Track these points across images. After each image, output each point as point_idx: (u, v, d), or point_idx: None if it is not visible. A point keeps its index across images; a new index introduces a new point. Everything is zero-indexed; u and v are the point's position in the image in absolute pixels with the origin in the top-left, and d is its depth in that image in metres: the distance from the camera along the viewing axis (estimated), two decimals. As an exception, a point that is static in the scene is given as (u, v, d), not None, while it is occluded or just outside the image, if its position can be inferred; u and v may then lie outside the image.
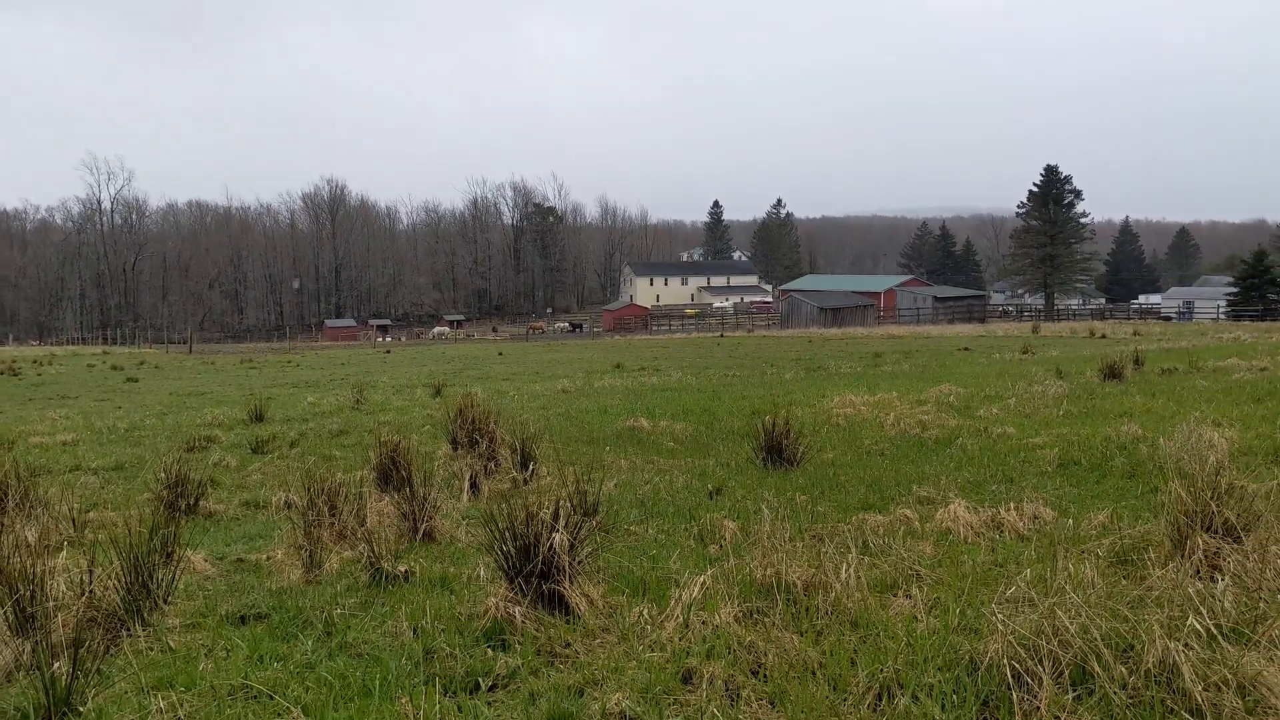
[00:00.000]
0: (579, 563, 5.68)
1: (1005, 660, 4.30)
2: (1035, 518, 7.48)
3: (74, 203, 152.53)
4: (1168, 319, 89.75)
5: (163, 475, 9.03)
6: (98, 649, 5.16)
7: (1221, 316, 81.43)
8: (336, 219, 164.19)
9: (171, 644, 5.35)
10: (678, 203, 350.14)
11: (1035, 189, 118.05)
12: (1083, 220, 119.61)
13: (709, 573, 5.72)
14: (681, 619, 5.18)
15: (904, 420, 14.19)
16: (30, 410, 21.85)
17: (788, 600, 5.41)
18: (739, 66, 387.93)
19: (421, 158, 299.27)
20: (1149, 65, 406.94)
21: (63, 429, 16.28)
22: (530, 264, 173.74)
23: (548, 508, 5.78)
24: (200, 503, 9.01)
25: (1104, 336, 51.48)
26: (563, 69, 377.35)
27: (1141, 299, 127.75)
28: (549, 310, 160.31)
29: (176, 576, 6.10)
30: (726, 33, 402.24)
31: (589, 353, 47.58)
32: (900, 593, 5.71)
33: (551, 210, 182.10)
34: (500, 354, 49.49)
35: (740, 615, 5.26)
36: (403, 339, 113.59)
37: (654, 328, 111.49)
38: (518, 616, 5.28)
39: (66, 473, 11.68)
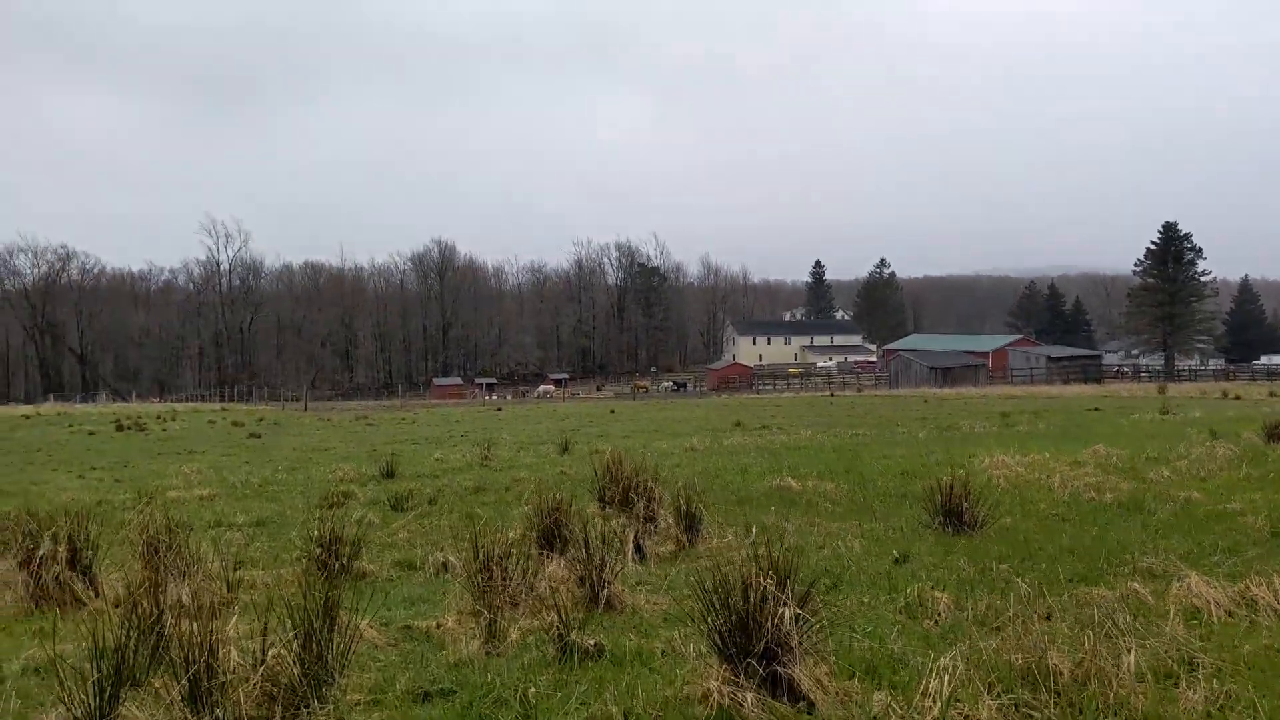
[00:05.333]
0: (803, 641, 5.01)
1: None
2: (1291, 595, 6.59)
3: (194, 264, 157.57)
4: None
5: (316, 533, 8.60)
6: (277, 729, 4.66)
7: (1358, 378, 77.54)
8: (445, 279, 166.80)
9: (357, 724, 4.81)
10: (778, 263, 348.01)
11: (1153, 246, 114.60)
12: (1203, 278, 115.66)
13: (950, 656, 4.99)
14: (938, 713, 4.48)
15: (1071, 483, 13.24)
16: (160, 464, 21.95)
17: (1054, 691, 4.67)
18: (837, 125, 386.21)
19: (524, 220, 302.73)
20: (1261, 117, 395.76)
21: (198, 483, 16.16)
22: (633, 323, 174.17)
23: (764, 575, 5.12)
24: (353, 563, 8.55)
25: (1238, 398, 49.10)
26: (647, 134, 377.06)
27: (1265, 359, 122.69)
28: (653, 369, 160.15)
29: (353, 646, 5.58)
30: (819, 93, 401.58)
31: (702, 411, 46.91)
32: (1181, 683, 4.92)
33: (655, 270, 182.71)
34: (613, 412, 49.09)
35: (1001, 709, 4.54)
36: (508, 397, 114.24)
37: (758, 387, 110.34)
38: (748, 704, 4.62)
39: (209, 528, 11.39)
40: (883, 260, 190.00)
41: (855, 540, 9.53)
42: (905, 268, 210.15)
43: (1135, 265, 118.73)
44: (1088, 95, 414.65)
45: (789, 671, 4.82)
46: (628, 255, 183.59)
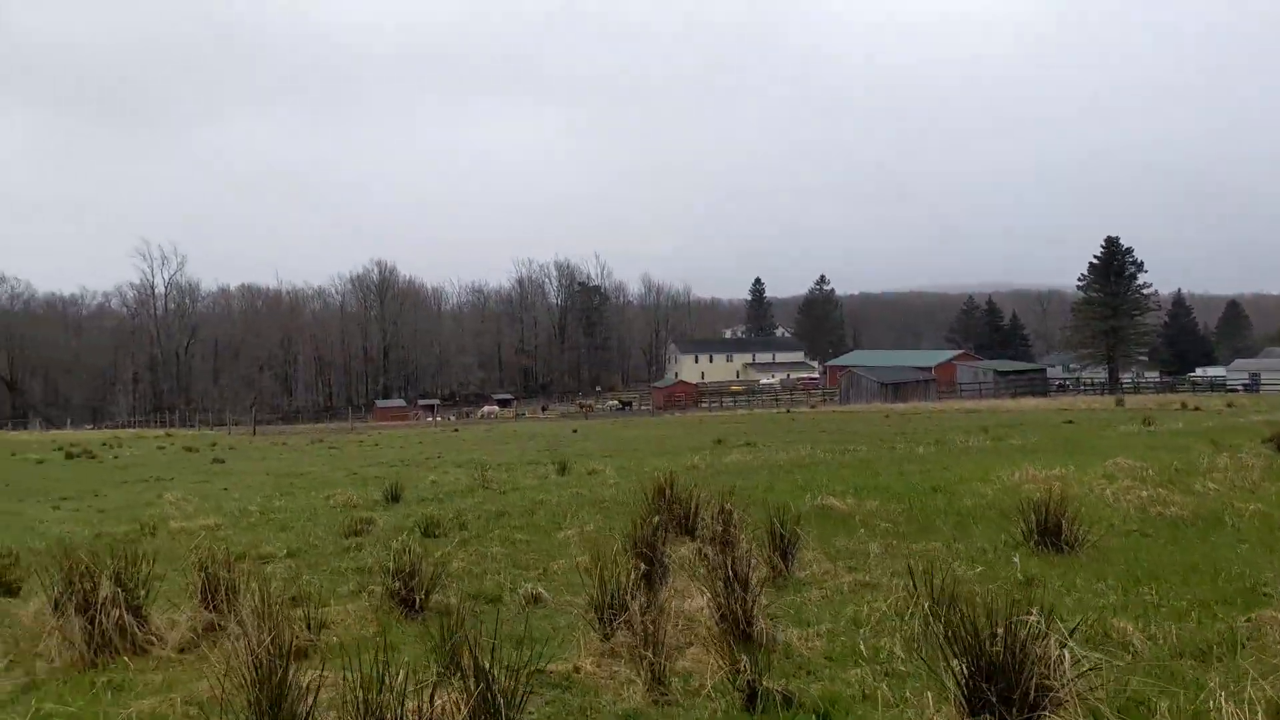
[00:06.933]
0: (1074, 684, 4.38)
1: None
2: None
3: (128, 288, 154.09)
4: (1234, 391, 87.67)
5: (392, 565, 7.82)
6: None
7: (1297, 388, 79.24)
8: (385, 301, 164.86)
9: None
10: (718, 280, 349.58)
11: (1096, 261, 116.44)
12: (1144, 292, 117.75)
13: (1224, 691, 4.39)
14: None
15: (1122, 497, 12.81)
16: (132, 493, 20.82)
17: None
18: (774, 144, 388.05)
19: (465, 241, 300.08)
20: (1185, 138, 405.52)
21: (193, 513, 15.17)
22: (576, 342, 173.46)
23: (1026, 609, 4.49)
24: (431, 596, 7.78)
25: (1198, 408, 49.59)
26: (584, 154, 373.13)
27: (1200, 371, 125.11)
28: (596, 389, 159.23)
29: (525, 698, 4.84)
30: (759, 111, 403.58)
31: (667, 429, 46.27)
32: None
33: (596, 289, 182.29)
34: (575, 431, 48.27)
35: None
36: (452, 418, 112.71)
37: (707, 404, 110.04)
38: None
39: (238, 561, 10.49)
40: (822, 277, 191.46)
41: (955, 563, 8.94)
42: (842, 285, 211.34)
43: (1079, 280, 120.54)
44: (1026, 118, 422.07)
45: (1064, 722, 4.19)
46: (568, 275, 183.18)
